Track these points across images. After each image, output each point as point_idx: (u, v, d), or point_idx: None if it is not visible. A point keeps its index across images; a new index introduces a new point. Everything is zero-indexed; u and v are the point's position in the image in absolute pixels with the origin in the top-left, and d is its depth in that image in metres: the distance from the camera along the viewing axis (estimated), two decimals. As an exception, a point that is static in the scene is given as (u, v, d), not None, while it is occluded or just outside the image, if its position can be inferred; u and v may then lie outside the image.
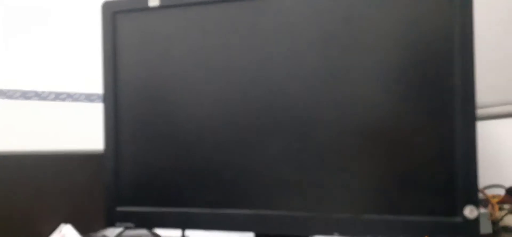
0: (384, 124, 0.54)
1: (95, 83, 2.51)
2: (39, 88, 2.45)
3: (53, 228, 0.95)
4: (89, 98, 2.52)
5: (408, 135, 0.53)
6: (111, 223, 0.66)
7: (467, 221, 0.50)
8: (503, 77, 1.01)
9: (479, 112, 1.05)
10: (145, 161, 0.65)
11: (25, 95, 2.43)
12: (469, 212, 0.50)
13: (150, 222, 0.66)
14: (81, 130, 2.49)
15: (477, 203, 0.50)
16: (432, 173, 0.53)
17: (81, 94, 2.49)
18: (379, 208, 0.54)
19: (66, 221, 0.96)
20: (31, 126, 2.43)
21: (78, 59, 2.49)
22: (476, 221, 0.50)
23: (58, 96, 2.47)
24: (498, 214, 0.83)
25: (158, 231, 0.91)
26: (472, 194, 0.51)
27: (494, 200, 0.88)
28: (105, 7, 0.67)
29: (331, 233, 0.55)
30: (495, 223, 0.82)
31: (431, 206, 0.52)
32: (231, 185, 0.60)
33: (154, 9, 0.65)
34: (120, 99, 0.66)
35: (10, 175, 0.93)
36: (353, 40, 0.56)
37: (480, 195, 0.94)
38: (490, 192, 0.95)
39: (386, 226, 0.53)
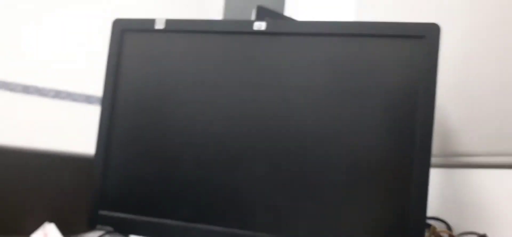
0: (352, 162, 0.61)
1: (95, 85, 2.60)
2: (40, 84, 2.55)
3: (37, 226, 1.02)
4: (88, 100, 2.61)
5: (372, 176, 0.60)
6: (92, 225, 0.73)
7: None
8: (494, 127, 1.07)
9: (465, 159, 1.11)
10: (131, 170, 0.72)
11: (26, 90, 2.52)
12: (418, 249, 0.57)
13: (128, 229, 0.73)
14: (77, 131, 2.56)
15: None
16: (388, 210, 0.59)
17: (80, 95, 2.59)
18: (338, 235, 0.61)
19: (49, 220, 1.02)
20: (29, 121, 2.51)
21: (80, 60, 2.58)
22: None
23: (58, 94, 2.57)
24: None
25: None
26: (420, 231, 0.58)
27: (467, 247, 0.93)
28: (115, 24, 0.75)
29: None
30: (463, 268, 0.88)
31: (386, 241, 0.59)
32: (205, 203, 0.68)
33: (159, 31, 0.73)
34: (116, 109, 0.74)
35: None
36: (334, 87, 0.63)
37: (454, 240, 0.99)
38: (465, 238, 1.00)
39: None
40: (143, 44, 0.74)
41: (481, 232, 0.95)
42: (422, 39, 0.60)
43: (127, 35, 0.74)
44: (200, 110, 0.69)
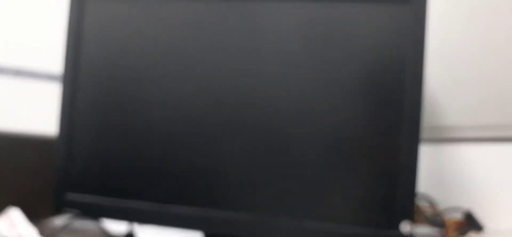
0: (335, 137, 0.60)
1: (59, 62, 2.50)
2: None
3: (0, 211, 0.98)
4: (51, 78, 2.52)
5: (357, 151, 0.59)
6: (59, 208, 0.70)
7: (402, 235, 0.56)
8: (476, 98, 1.08)
9: (448, 134, 1.12)
10: (98, 150, 0.69)
11: (-15, 69, 2.42)
12: (404, 227, 0.56)
13: (97, 212, 0.70)
14: (41, 111, 2.47)
15: (412, 218, 0.56)
16: (374, 188, 0.58)
17: (43, 74, 2.50)
18: (321, 216, 0.59)
19: (14, 205, 0.98)
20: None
21: (42, 35, 2.48)
22: (410, 235, 0.56)
23: (18, 73, 2.47)
24: (451, 235, 0.90)
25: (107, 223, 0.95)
26: (408, 211, 0.57)
27: (451, 222, 0.94)
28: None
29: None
30: (447, 244, 0.89)
31: (371, 219, 0.58)
32: (180, 182, 0.65)
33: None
34: (79, 84, 0.70)
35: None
36: (314, 57, 0.61)
37: (438, 218, 1.00)
38: (450, 213, 1.01)
39: (326, 234, 0.59)
40: (106, 12, 0.70)
41: (466, 207, 0.96)
42: (407, 5, 0.59)
43: (89, 2, 0.70)
44: (170, 82, 0.66)
